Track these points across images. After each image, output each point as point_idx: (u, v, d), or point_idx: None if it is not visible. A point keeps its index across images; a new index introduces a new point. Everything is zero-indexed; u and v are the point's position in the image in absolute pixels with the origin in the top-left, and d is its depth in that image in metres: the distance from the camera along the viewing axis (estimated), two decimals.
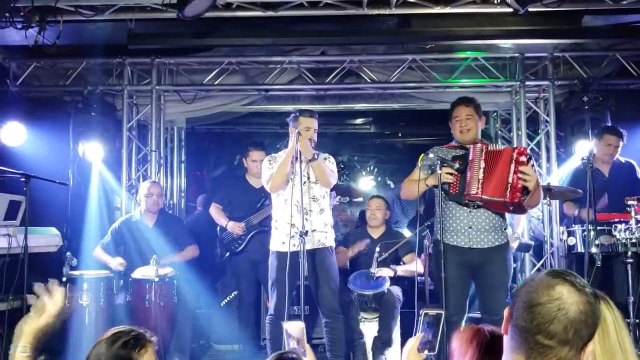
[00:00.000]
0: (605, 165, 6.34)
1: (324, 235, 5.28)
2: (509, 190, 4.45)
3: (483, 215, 4.72)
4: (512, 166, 4.46)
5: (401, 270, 6.20)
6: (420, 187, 4.77)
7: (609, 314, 2.09)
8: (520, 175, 4.42)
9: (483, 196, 4.52)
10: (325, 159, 5.38)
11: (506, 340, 1.87)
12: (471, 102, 4.89)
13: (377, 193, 11.29)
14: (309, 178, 5.24)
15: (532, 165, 4.56)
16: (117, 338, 2.62)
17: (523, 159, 4.47)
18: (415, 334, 2.71)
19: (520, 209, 4.66)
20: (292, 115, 5.35)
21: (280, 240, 5.25)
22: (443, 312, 2.69)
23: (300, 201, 5.05)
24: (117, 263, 6.18)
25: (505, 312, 1.87)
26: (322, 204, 5.31)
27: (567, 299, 1.75)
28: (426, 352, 2.65)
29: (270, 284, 5.30)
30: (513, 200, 4.47)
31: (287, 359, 2.53)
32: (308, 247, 5.01)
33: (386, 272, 6.09)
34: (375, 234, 6.54)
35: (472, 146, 4.65)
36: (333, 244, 5.41)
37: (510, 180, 4.44)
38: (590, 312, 1.77)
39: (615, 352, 2.04)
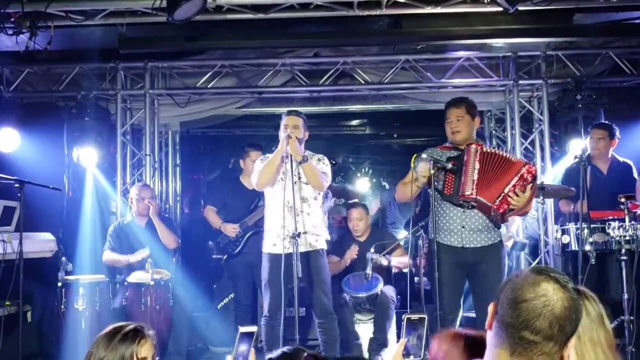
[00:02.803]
0: (604, 163, 6.34)
1: (315, 238, 5.26)
2: (499, 198, 4.49)
3: (477, 215, 4.73)
4: (515, 179, 4.50)
5: (395, 261, 6.21)
6: (413, 188, 4.79)
7: (596, 315, 2.12)
8: (514, 193, 4.46)
9: (477, 197, 4.54)
10: (319, 159, 5.37)
11: (490, 336, 1.89)
12: (462, 102, 4.90)
13: (372, 194, 11.32)
14: (299, 178, 5.22)
15: (533, 187, 4.57)
16: (116, 332, 2.73)
17: (528, 177, 4.50)
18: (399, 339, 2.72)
19: (501, 218, 4.68)
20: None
21: (272, 242, 5.26)
22: (426, 316, 2.69)
23: (290, 201, 5.05)
24: (140, 255, 6.18)
25: (490, 308, 1.90)
26: (313, 205, 5.30)
27: (552, 295, 1.78)
28: (411, 357, 2.65)
29: (263, 285, 5.31)
30: (498, 210, 4.52)
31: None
32: (299, 249, 5.03)
33: (382, 260, 6.10)
34: (362, 237, 6.58)
35: (466, 147, 4.66)
36: (324, 246, 5.39)
37: (506, 190, 4.49)
38: (574, 308, 1.80)
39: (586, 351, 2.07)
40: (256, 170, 5.30)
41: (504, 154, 4.68)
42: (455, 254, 4.74)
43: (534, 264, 7.32)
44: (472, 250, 4.73)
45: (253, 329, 2.75)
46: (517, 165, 4.57)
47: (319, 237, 5.30)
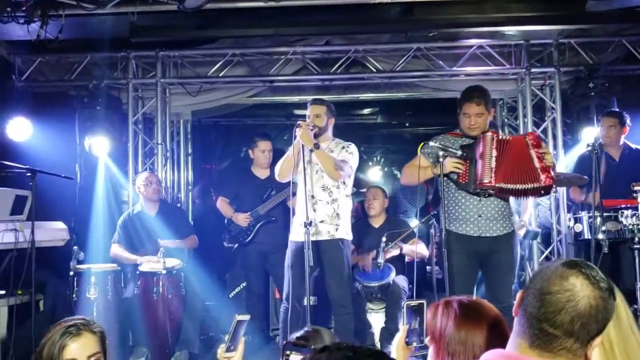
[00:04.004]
0: (616, 150, 6.28)
1: (334, 227, 5.20)
2: (542, 174, 4.45)
3: (492, 204, 4.70)
4: (533, 151, 4.48)
5: (406, 249, 6.18)
6: (425, 175, 4.76)
7: (618, 298, 2.08)
8: (544, 157, 4.48)
9: (496, 185, 4.49)
10: (343, 147, 5.32)
11: (514, 323, 1.87)
12: (482, 99, 4.76)
13: (384, 183, 11.32)
14: (321, 167, 5.17)
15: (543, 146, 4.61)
16: (60, 323, 2.74)
17: (538, 141, 4.54)
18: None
19: (550, 189, 4.68)
20: None
21: (295, 230, 5.24)
22: (425, 302, 2.69)
23: (310, 190, 5.05)
24: (145, 260, 6.15)
25: (518, 295, 1.86)
26: (335, 193, 5.22)
27: (578, 291, 1.73)
28: (414, 343, 2.66)
29: (285, 271, 5.29)
30: (550, 184, 4.48)
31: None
32: (315, 238, 5.02)
33: (392, 252, 6.08)
34: (376, 223, 6.56)
35: (482, 135, 4.61)
36: (345, 237, 5.29)
37: (537, 165, 4.46)
38: (601, 308, 1.74)
39: (629, 336, 2.04)
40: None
41: (508, 137, 4.69)
42: (470, 243, 4.71)
43: (546, 252, 7.31)
44: (488, 239, 4.70)
45: (247, 317, 2.77)
46: (520, 141, 4.59)
47: (339, 227, 5.23)
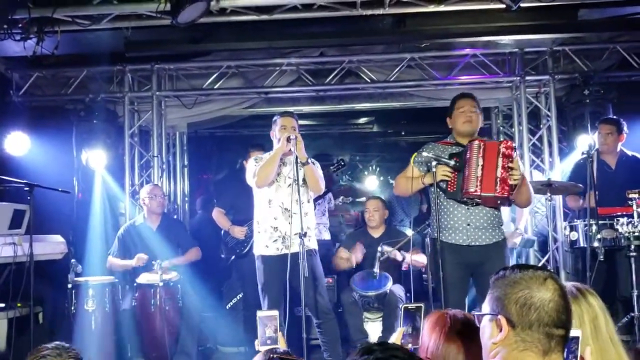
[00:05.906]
0: (612, 157, 6.28)
1: (307, 239, 5.15)
2: (498, 184, 4.43)
3: (481, 213, 4.66)
4: (500, 160, 4.44)
5: (409, 258, 6.17)
6: (416, 185, 4.76)
7: (599, 309, 2.11)
8: (508, 170, 4.44)
9: (482, 194, 4.48)
10: (313, 163, 5.32)
11: (505, 345, 1.87)
12: (474, 97, 4.88)
13: (380, 192, 11.33)
14: (295, 181, 5.10)
15: (514, 158, 4.54)
16: (37, 352, 2.61)
17: (510, 152, 4.46)
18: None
19: (507, 201, 4.66)
20: (273, 119, 5.39)
21: (264, 244, 5.24)
22: (422, 305, 2.71)
23: (285, 203, 5.10)
24: (137, 259, 6.23)
25: (503, 322, 1.87)
26: (306, 207, 5.24)
27: (558, 289, 1.85)
28: (409, 345, 2.68)
29: (260, 288, 5.29)
30: (503, 195, 4.46)
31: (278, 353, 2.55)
32: (292, 250, 5.00)
33: (396, 256, 6.13)
34: (376, 233, 6.56)
35: (469, 143, 4.59)
36: (316, 246, 5.39)
37: (498, 174, 4.43)
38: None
39: (608, 347, 2.06)
40: (250, 170, 5.29)
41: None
42: (461, 253, 4.67)
43: (543, 260, 7.30)
44: (478, 248, 4.65)
45: (274, 313, 2.82)
46: (494, 147, 4.52)
47: (311, 238, 5.28)
